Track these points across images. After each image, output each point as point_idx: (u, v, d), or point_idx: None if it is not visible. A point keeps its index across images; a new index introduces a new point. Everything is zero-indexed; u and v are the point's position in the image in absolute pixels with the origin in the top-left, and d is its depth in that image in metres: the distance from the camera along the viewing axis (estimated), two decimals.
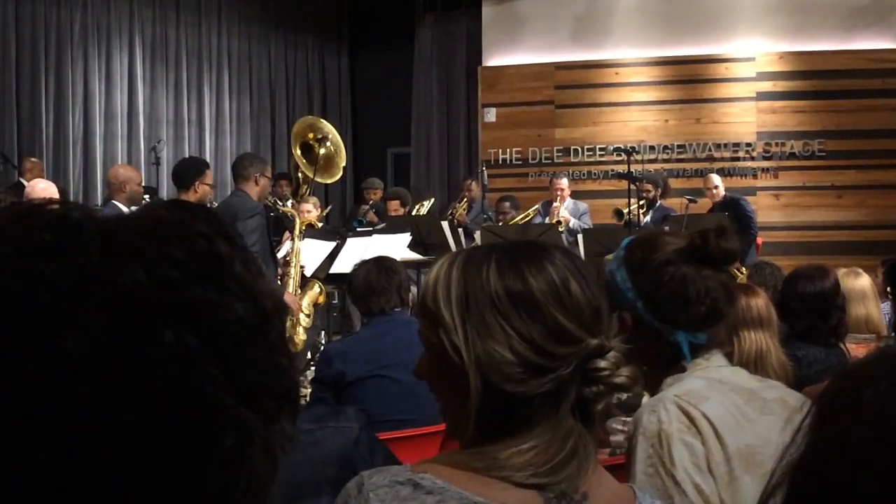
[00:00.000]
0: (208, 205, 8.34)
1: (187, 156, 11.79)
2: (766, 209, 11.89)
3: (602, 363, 1.43)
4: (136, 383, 0.57)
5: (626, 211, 9.93)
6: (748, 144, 12.32)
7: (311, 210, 9.62)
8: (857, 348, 4.20)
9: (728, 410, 2.05)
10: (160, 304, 0.59)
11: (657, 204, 10.53)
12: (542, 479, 1.40)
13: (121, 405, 0.56)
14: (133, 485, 0.56)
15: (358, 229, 9.17)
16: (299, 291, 7.62)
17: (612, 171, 12.15)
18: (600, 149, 12.73)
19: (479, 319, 1.45)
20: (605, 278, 2.12)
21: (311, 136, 10.39)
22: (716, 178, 10.74)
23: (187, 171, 7.67)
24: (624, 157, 10.28)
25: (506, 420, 1.44)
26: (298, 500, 2.28)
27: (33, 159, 10.25)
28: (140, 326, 0.58)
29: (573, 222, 10.53)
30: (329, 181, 11.28)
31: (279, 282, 7.38)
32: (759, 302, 3.99)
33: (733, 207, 10.28)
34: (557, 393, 1.43)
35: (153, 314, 0.58)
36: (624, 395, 3.55)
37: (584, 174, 12.75)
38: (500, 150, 13.06)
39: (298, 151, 10.38)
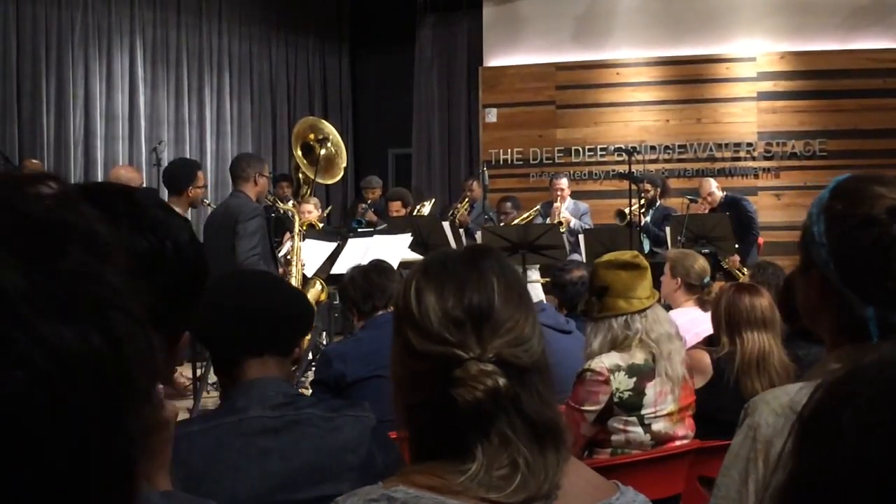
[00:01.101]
0: (205, 206, 8.34)
1: (187, 157, 11.80)
2: (767, 209, 11.88)
3: (458, 372, 1.40)
4: None
5: (628, 211, 9.93)
6: (749, 144, 12.32)
7: (312, 211, 9.63)
8: None
9: None
10: None
11: (657, 204, 10.54)
12: (496, 495, 1.40)
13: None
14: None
15: (359, 230, 9.17)
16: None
17: (613, 171, 12.16)
18: (601, 149, 12.73)
19: (392, 331, 1.53)
20: (803, 225, 1.79)
21: (311, 136, 10.41)
22: (711, 184, 10.71)
23: (179, 176, 7.67)
24: (625, 157, 10.27)
25: (421, 434, 1.48)
26: (319, 484, 2.31)
27: (34, 161, 10.24)
28: None
29: (574, 222, 10.54)
30: (330, 182, 11.30)
31: None
32: (763, 302, 3.99)
33: (735, 207, 10.27)
34: (447, 411, 1.41)
35: None
36: (625, 395, 3.54)
37: (585, 174, 12.75)
38: (501, 151, 13.06)
39: (299, 152, 10.40)
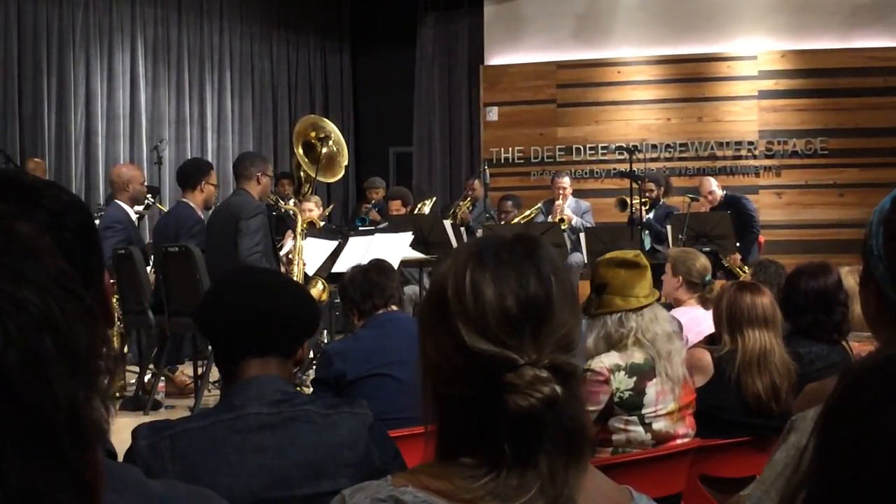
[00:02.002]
0: (212, 205, 8.37)
1: (189, 155, 11.80)
2: (768, 208, 11.88)
3: (512, 378, 1.34)
4: None
5: (629, 201, 9.92)
6: (750, 143, 12.32)
7: (314, 209, 9.63)
8: (859, 346, 4.19)
9: None
10: None
11: (660, 202, 10.54)
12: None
13: None
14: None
15: (360, 228, 9.17)
16: None
17: (615, 169, 12.16)
18: (602, 147, 12.73)
19: (425, 316, 1.46)
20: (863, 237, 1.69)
21: (313, 135, 10.40)
22: (712, 183, 10.70)
23: (193, 172, 7.73)
24: (626, 155, 10.27)
25: (449, 429, 1.42)
26: (317, 480, 2.31)
27: (37, 159, 10.25)
28: None
29: (575, 220, 10.54)
30: (331, 180, 11.29)
31: None
32: (765, 301, 3.99)
33: (735, 206, 10.27)
34: (486, 412, 1.36)
35: None
36: (626, 395, 3.54)
37: (586, 173, 12.74)
38: (503, 149, 13.06)
39: (301, 151, 10.39)
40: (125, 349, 8.04)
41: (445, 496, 1.36)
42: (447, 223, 9.04)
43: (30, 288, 0.63)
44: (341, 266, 7.29)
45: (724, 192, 10.69)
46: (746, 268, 9.16)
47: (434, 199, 12.26)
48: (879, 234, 1.62)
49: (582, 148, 12.80)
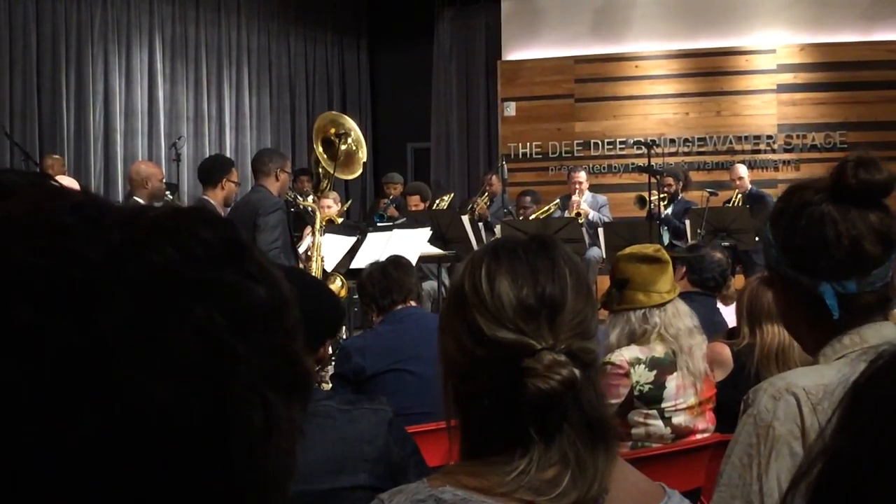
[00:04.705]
0: (232, 202, 8.39)
1: (207, 152, 11.83)
2: None
3: (530, 362, 1.37)
4: (168, 358, 0.57)
5: (648, 198, 9.91)
6: (769, 137, 12.28)
7: (332, 205, 9.64)
8: None
9: None
10: (189, 280, 0.59)
11: (679, 197, 10.51)
12: (542, 498, 1.37)
13: (153, 380, 0.56)
14: (165, 460, 0.57)
15: (378, 224, 9.17)
16: None
17: (633, 164, 12.13)
18: (620, 142, 12.71)
19: (445, 315, 1.50)
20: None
21: (332, 131, 10.42)
22: (742, 169, 10.71)
23: (214, 169, 7.72)
24: (644, 150, 10.26)
25: (473, 426, 1.44)
26: (337, 475, 2.32)
27: (55, 156, 10.28)
28: (170, 302, 0.58)
29: (592, 214, 10.53)
30: (350, 177, 11.30)
31: None
32: None
33: (760, 202, 10.22)
34: (509, 402, 1.38)
35: (183, 290, 0.59)
36: (645, 388, 3.53)
37: (604, 168, 12.73)
38: (520, 144, 13.05)
39: (321, 148, 10.41)
40: None
41: (482, 492, 1.38)
42: (465, 219, 9.04)
43: (255, 349, 0.61)
44: (359, 262, 7.29)
45: (752, 186, 10.70)
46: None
47: (452, 194, 12.26)
48: (767, 226, 1.86)
49: (600, 143, 12.79)
